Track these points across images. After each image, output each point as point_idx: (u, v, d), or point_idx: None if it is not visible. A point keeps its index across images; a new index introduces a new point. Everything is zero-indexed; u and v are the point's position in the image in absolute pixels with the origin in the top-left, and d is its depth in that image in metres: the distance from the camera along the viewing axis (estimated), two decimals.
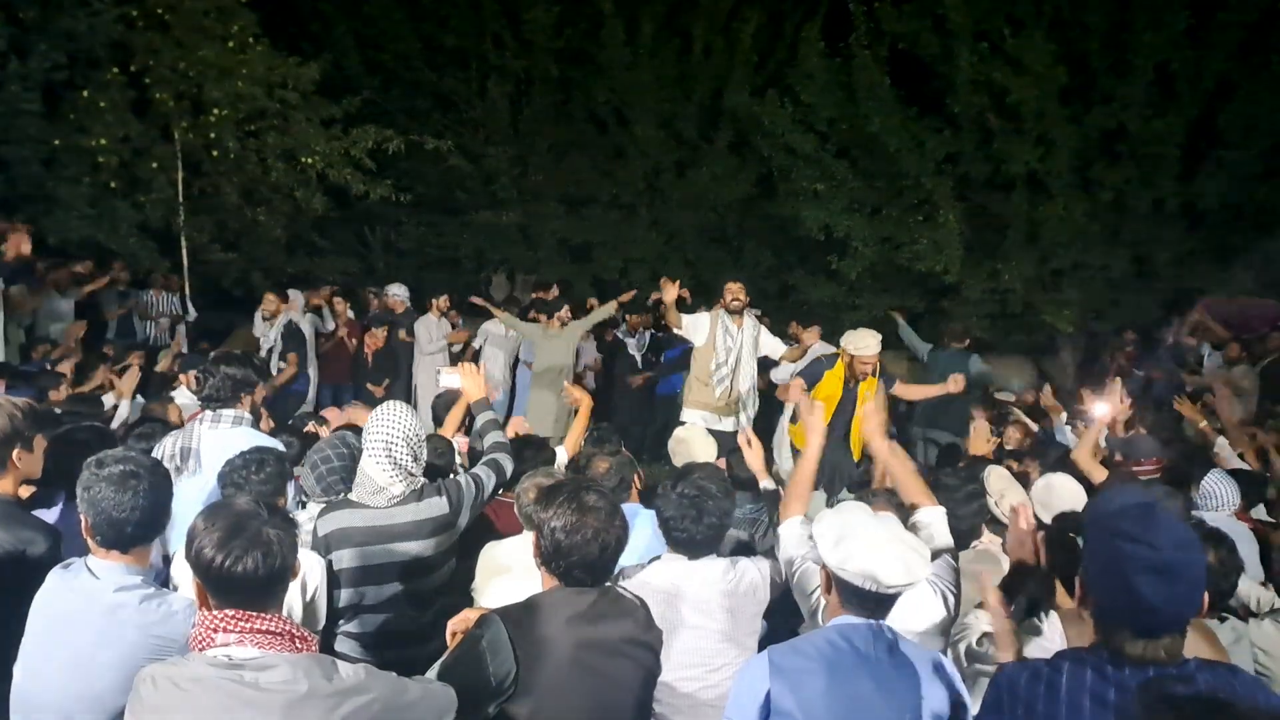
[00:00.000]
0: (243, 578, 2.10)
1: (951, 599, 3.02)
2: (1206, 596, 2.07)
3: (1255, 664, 3.33)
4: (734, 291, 7.88)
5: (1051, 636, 2.85)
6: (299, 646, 2.14)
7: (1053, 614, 2.92)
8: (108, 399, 6.18)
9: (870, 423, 3.72)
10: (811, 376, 7.12)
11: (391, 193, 13.28)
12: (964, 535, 3.74)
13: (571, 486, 2.72)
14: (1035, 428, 7.90)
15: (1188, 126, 11.09)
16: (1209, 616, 3.26)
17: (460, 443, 5.42)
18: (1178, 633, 2.01)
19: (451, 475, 3.97)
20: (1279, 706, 1.99)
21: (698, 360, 7.93)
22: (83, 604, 2.57)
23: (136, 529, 2.68)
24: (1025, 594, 3.05)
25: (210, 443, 4.16)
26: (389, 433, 3.51)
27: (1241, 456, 6.47)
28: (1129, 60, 10.96)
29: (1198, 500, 4.82)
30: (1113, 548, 2.03)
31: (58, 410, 5.59)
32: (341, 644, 3.48)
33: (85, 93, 11.11)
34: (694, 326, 7.89)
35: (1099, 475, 4.77)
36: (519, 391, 10.74)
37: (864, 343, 6.96)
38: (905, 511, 3.33)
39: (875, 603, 2.50)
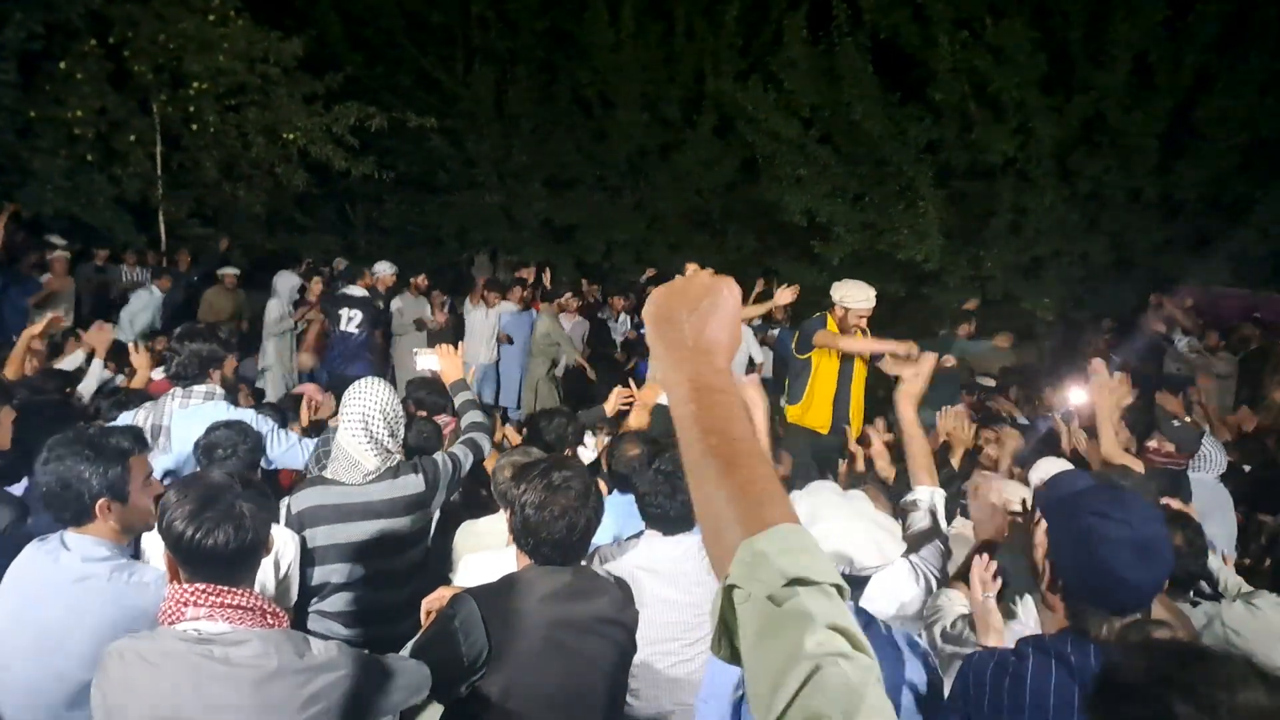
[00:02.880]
0: (213, 551, 2.08)
1: (934, 583, 3.01)
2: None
3: (1227, 644, 3.35)
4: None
5: (1026, 620, 2.85)
6: (270, 622, 2.12)
7: (1028, 597, 2.92)
8: (76, 357, 6.10)
9: (911, 386, 3.62)
10: (805, 334, 6.67)
11: (374, 170, 13.21)
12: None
13: (545, 465, 2.71)
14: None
15: (1166, 117, 11.13)
16: (1181, 599, 3.28)
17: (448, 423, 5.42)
18: (1146, 609, 2.03)
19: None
20: None
21: None
22: (53, 576, 2.54)
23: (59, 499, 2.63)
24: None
25: (181, 419, 4.11)
26: (366, 407, 3.49)
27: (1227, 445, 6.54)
28: (1108, 50, 10.99)
29: (1190, 462, 5.00)
30: (1086, 527, 2.02)
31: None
32: (315, 622, 3.46)
33: (62, 64, 11.00)
34: None
35: (1134, 464, 4.73)
36: (504, 369, 10.76)
37: (860, 295, 6.46)
38: (894, 500, 3.31)
39: (848, 584, 2.49)
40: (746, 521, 1.03)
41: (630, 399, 5.33)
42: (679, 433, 1.12)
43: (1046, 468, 4.44)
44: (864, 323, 6.61)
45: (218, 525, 2.08)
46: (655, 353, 1.20)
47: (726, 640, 1.02)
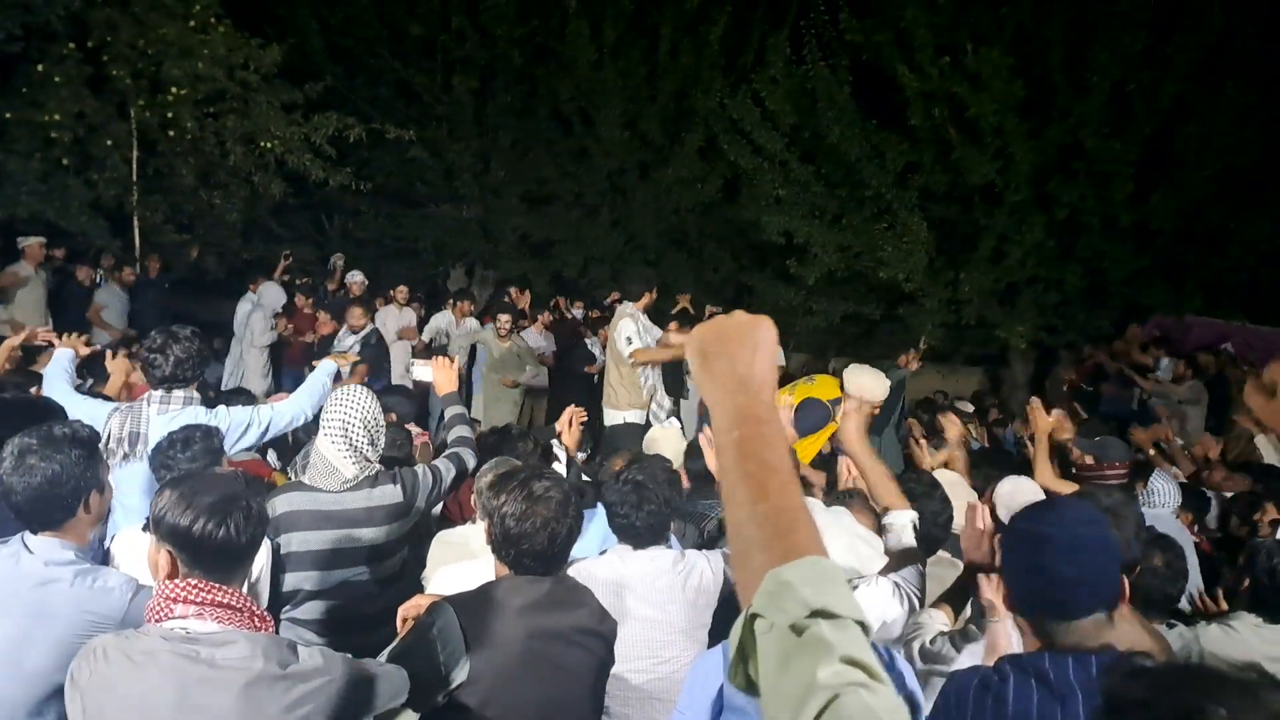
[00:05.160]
0: (226, 542, 2.09)
1: (916, 602, 3.00)
2: (1126, 582, 2.09)
3: None
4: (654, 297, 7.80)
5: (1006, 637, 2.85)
6: (258, 625, 2.11)
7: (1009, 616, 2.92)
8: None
9: (851, 420, 3.62)
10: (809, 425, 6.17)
11: (351, 181, 13.12)
12: (933, 541, 3.73)
13: (524, 474, 2.68)
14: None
15: (1143, 146, 11.23)
16: (1158, 621, 3.28)
17: (419, 434, 5.40)
18: (1101, 614, 2.04)
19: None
20: None
21: (627, 365, 7.68)
22: (15, 579, 2.49)
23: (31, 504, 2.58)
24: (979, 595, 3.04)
25: (160, 425, 3.96)
26: (347, 413, 3.47)
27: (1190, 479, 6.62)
28: (1087, 78, 11.10)
29: (1143, 498, 4.99)
30: (1019, 535, 2.12)
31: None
32: (286, 629, 3.42)
33: (40, 66, 10.87)
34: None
35: (1065, 489, 4.76)
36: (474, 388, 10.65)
37: (880, 387, 6.05)
38: (878, 515, 3.30)
39: None
40: (773, 547, 1.06)
41: (583, 419, 5.34)
42: (719, 459, 1.18)
43: (1009, 486, 4.47)
44: (877, 410, 6.20)
45: (228, 516, 2.10)
46: (701, 385, 1.25)
47: (742, 669, 1.04)
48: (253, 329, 10.29)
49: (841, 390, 6.37)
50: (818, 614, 0.98)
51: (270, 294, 10.67)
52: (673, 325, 7.91)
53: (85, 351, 4.77)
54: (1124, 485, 4.89)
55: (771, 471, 1.13)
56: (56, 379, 4.46)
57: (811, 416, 6.24)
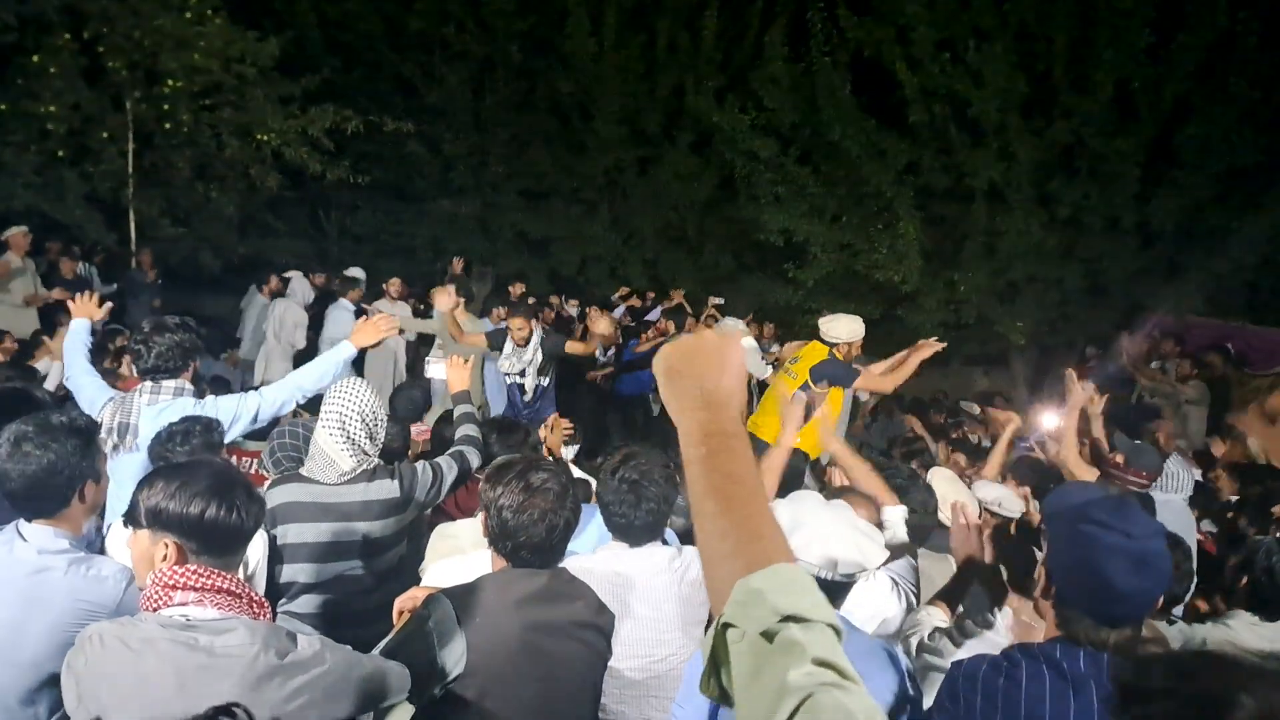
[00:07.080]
0: (234, 525, 2.10)
1: (913, 598, 3.00)
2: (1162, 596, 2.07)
3: None
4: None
5: (1003, 632, 2.85)
6: (256, 612, 2.10)
7: (1007, 609, 2.92)
8: (42, 364, 6.03)
9: (823, 425, 3.69)
10: (838, 378, 6.48)
11: (348, 174, 13.07)
12: (923, 530, 3.75)
13: (521, 465, 2.66)
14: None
15: (1146, 145, 11.20)
16: (1159, 618, 3.27)
17: (418, 431, 5.39)
18: (1137, 626, 2.01)
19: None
20: None
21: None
22: (9, 567, 2.49)
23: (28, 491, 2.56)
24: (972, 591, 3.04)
25: (149, 417, 3.96)
26: (344, 406, 3.46)
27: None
28: (1091, 76, 11.07)
29: (1158, 481, 5.00)
30: (1085, 535, 2.03)
31: None
32: (281, 622, 3.38)
33: (35, 57, 10.83)
34: None
35: (1087, 475, 4.76)
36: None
37: (859, 328, 6.55)
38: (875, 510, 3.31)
39: (828, 591, 2.46)
40: (742, 554, 1.10)
41: (569, 430, 5.36)
42: (686, 473, 1.22)
43: (985, 490, 4.48)
44: (858, 351, 6.72)
45: (234, 499, 2.11)
46: (668, 401, 1.31)
47: (715, 679, 1.06)
48: (287, 325, 10.17)
49: (835, 349, 6.56)
50: (788, 619, 1.01)
51: (302, 287, 10.55)
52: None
53: (100, 315, 4.66)
54: (1140, 494, 4.87)
55: (737, 483, 1.17)
56: (75, 352, 4.37)
57: (839, 374, 6.43)
